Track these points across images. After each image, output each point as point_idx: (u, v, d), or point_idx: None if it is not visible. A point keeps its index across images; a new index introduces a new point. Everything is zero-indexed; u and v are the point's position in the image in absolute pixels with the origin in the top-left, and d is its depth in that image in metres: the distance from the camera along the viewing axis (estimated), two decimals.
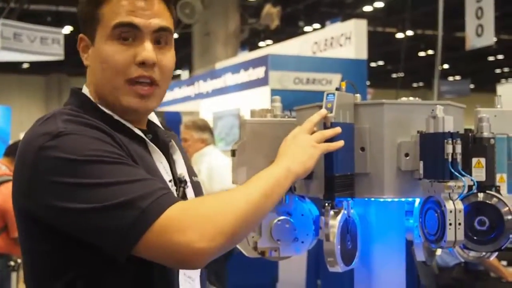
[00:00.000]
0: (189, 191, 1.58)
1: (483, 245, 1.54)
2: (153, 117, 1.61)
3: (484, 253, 1.65)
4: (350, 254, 1.52)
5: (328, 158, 1.47)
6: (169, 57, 1.50)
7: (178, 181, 1.55)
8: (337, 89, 1.53)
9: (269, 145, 1.49)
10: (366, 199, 1.58)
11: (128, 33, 1.45)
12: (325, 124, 1.48)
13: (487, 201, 1.53)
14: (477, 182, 1.52)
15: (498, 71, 26.05)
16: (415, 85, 28.72)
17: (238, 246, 1.60)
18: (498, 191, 1.55)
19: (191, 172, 1.64)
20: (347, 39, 10.29)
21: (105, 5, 1.46)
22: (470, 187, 1.51)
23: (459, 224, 1.43)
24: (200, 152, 5.45)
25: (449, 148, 1.42)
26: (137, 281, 1.41)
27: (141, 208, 1.27)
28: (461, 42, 10.00)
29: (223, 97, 10.71)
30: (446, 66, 22.91)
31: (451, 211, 1.42)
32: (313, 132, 1.48)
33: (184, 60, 16.21)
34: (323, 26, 12.98)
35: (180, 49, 16.79)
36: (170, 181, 1.52)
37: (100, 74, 1.47)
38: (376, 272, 1.63)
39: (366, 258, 1.62)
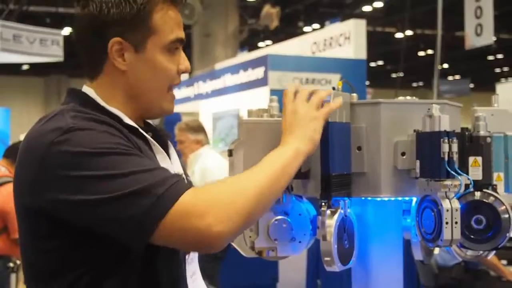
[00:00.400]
0: None
1: (480, 243, 1.54)
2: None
3: (481, 252, 1.65)
4: (347, 254, 1.52)
5: (325, 157, 1.47)
6: None
7: None
8: (333, 88, 1.53)
9: (266, 144, 1.49)
10: (363, 198, 1.58)
11: (178, 46, 1.53)
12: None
13: (484, 200, 1.53)
14: (474, 181, 1.52)
15: (497, 70, 26.05)
16: (414, 84, 28.72)
17: (235, 246, 1.61)
18: (495, 189, 1.55)
19: (185, 172, 1.67)
20: (346, 39, 10.29)
21: (155, 14, 1.48)
22: (467, 186, 1.52)
23: (456, 223, 1.43)
24: (196, 153, 5.52)
25: (445, 147, 1.43)
26: (144, 283, 1.42)
27: (157, 194, 1.29)
28: (461, 42, 10.01)
29: (223, 97, 10.71)
30: (445, 65, 22.91)
31: (447, 210, 1.42)
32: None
33: None
34: (322, 26, 12.99)
35: None
36: None
37: (150, 82, 1.50)
38: (373, 271, 1.63)
39: (363, 257, 1.62)
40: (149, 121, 1.63)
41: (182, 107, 12.02)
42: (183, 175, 1.57)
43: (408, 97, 1.64)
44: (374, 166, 1.53)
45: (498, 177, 1.58)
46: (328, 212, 1.48)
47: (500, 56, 22.89)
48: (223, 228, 1.29)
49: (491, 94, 1.75)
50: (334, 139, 1.48)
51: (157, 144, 1.53)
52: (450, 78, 24.42)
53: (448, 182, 1.43)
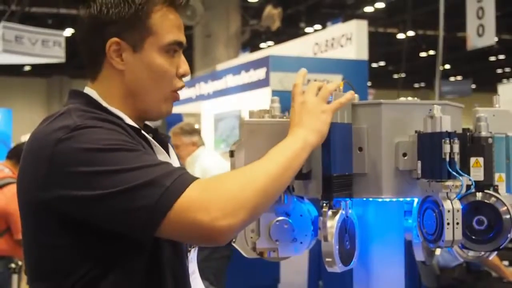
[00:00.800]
0: None
1: (481, 244, 1.54)
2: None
3: (483, 253, 1.65)
4: (349, 254, 1.52)
5: (326, 158, 1.47)
6: None
7: None
8: (343, 79, 1.53)
9: (267, 145, 1.49)
10: (365, 199, 1.58)
11: (177, 49, 1.53)
12: None
13: (486, 201, 1.53)
14: (475, 181, 1.52)
15: (499, 71, 26.03)
16: (416, 85, 28.72)
17: (236, 247, 1.61)
18: (496, 190, 1.55)
19: None
20: (348, 39, 10.29)
21: (153, 14, 1.50)
22: (468, 187, 1.52)
23: (457, 223, 1.43)
24: (193, 155, 5.61)
25: (446, 148, 1.42)
26: (149, 278, 1.44)
27: (165, 185, 1.30)
28: (463, 42, 10.01)
29: (224, 98, 10.71)
30: (447, 66, 22.92)
31: (449, 211, 1.42)
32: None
33: None
34: (324, 27, 12.99)
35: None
36: None
37: (147, 82, 1.51)
38: (375, 272, 1.63)
39: (365, 258, 1.62)
40: (149, 123, 1.64)
41: (184, 108, 12.02)
42: None
43: (410, 98, 1.64)
44: (376, 167, 1.53)
45: (499, 178, 1.58)
46: (330, 213, 1.48)
47: (502, 56, 22.87)
48: (227, 222, 1.29)
49: (493, 94, 1.75)
50: (335, 140, 1.48)
51: (158, 145, 1.54)
52: (452, 79, 24.37)
53: (449, 182, 1.42)
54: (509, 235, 1.52)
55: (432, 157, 1.44)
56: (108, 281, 1.40)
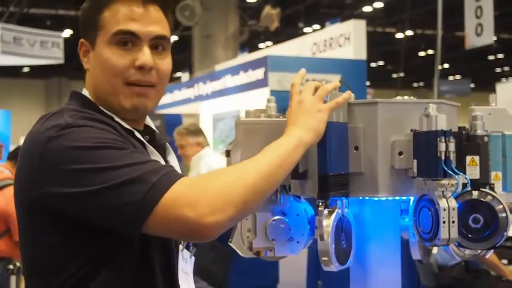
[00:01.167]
0: None
1: (478, 242, 1.54)
2: (149, 121, 1.66)
3: (479, 251, 1.65)
4: (345, 253, 1.53)
5: (322, 157, 1.48)
6: (166, 62, 1.56)
7: None
8: (340, 80, 1.54)
9: (263, 145, 1.49)
10: (361, 198, 1.58)
11: (127, 39, 1.51)
12: None
13: (482, 199, 1.53)
14: (471, 180, 1.52)
15: (498, 70, 26.03)
16: (415, 85, 28.71)
17: (233, 246, 1.61)
18: (492, 188, 1.55)
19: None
20: (346, 39, 10.29)
21: (106, 11, 1.52)
22: (464, 185, 1.52)
23: (453, 222, 1.43)
24: (198, 155, 5.65)
25: (442, 146, 1.43)
26: (139, 275, 1.45)
27: (152, 182, 1.31)
28: (461, 42, 10.01)
29: (223, 98, 10.71)
30: (446, 65, 22.91)
31: (444, 209, 1.42)
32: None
33: (184, 62, 16.22)
34: (322, 27, 12.98)
35: (180, 51, 16.84)
36: None
37: (100, 77, 1.53)
38: (371, 271, 1.63)
39: (361, 257, 1.62)
40: (149, 124, 1.65)
41: (183, 108, 12.04)
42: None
43: (406, 97, 1.65)
44: (372, 166, 1.53)
45: (495, 176, 1.58)
46: (326, 212, 1.48)
47: (500, 56, 22.87)
48: (215, 218, 1.29)
49: (492, 94, 1.75)
50: (331, 139, 1.48)
51: (149, 145, 1.55)
52: (450, 78, 24.39)
53: (445, 181, 1.43)
54: (505, 234, 1.52)
55: (427, 155, 1.44)
56: (98, 279, 1.41)
